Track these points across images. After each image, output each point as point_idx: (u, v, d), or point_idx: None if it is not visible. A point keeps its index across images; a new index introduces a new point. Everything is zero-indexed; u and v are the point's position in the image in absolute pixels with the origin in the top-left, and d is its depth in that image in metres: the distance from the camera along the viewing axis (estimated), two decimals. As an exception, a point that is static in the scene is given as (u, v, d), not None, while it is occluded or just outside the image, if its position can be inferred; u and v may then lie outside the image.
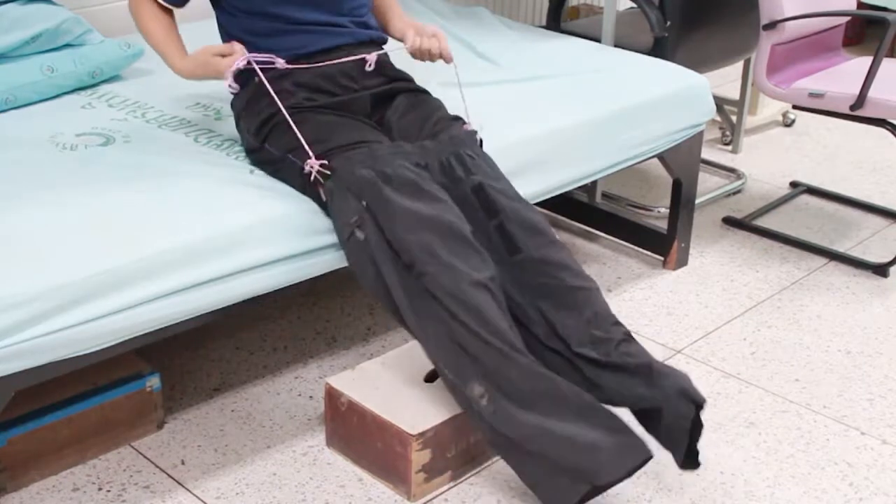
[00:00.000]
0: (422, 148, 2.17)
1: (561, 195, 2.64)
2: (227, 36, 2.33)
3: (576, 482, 1.94)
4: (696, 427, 2.07)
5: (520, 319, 2.11)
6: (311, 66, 2.26)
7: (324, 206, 2.12)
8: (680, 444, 2.06)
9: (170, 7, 2.33)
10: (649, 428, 2.11)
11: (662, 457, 2.25)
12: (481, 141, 2.29)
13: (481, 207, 2.14)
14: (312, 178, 2.10)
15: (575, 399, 1.97)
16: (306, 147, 2.12)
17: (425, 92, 2.40)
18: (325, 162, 2.10)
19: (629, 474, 1.97)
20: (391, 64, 2.40)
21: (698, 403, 2.04)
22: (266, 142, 2.21)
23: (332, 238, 2.13)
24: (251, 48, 2.24)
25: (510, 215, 2.14)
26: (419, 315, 2.00)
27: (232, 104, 2.35)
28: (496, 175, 2.20)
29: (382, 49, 2.40)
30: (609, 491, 2.13)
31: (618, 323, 2.12)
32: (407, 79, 2.41)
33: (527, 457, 1.97)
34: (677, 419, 2.04)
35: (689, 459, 2.09)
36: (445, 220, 2.03)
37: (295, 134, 2.15)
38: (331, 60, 2.27)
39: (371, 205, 2.03)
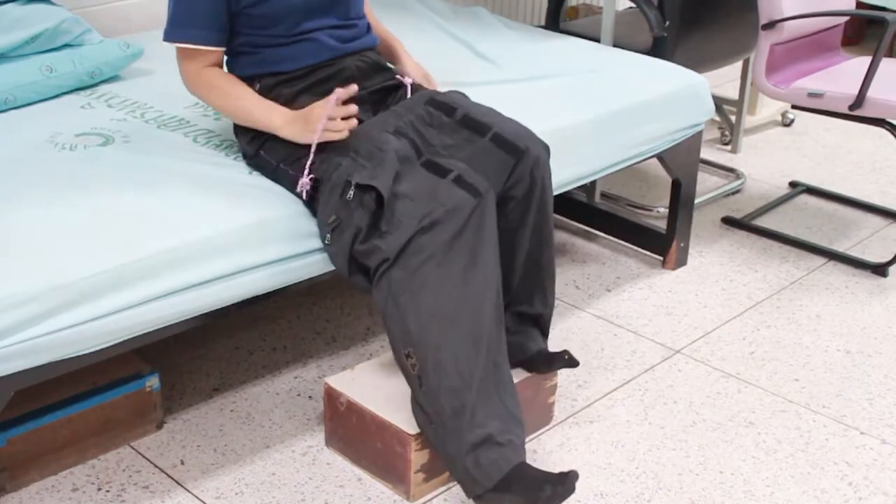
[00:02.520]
0: (393, 113, 2.21)
1: (560, 195, 2.64)
2: (233, 54, 2.30)
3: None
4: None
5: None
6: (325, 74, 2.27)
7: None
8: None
9: (219, 53, 2.21)
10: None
11: (662, 456, 2.25)
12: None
13: (472, 129, 2.17)
14: (306, 196, 2.12)
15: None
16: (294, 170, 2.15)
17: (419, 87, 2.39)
18: (313, 176, 2.11)
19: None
20: (385, 64, 2.40)
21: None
22: (262, 149, 2.22)
23: (332, 238, 2.14)
24: (260, 62, 2.24)
25: (503, 127, 2.18)
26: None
27: None
28: (476, 104, 2.25)
29: (377, 51, 2.40)
30: (609, 490, 2.14)
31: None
32: (403, 74, 2.40)
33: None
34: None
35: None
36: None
37: (287, 144, 2.16)
38: (338, 68, 2.27)
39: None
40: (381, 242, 1.98)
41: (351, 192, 2.02)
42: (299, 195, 2.13)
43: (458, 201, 1.97)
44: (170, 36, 2.18)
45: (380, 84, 2.33)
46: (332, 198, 2.06)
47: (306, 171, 2.11)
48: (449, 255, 1.96)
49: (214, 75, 2.20)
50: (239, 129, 2.28)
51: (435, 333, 1.96)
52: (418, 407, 2.02)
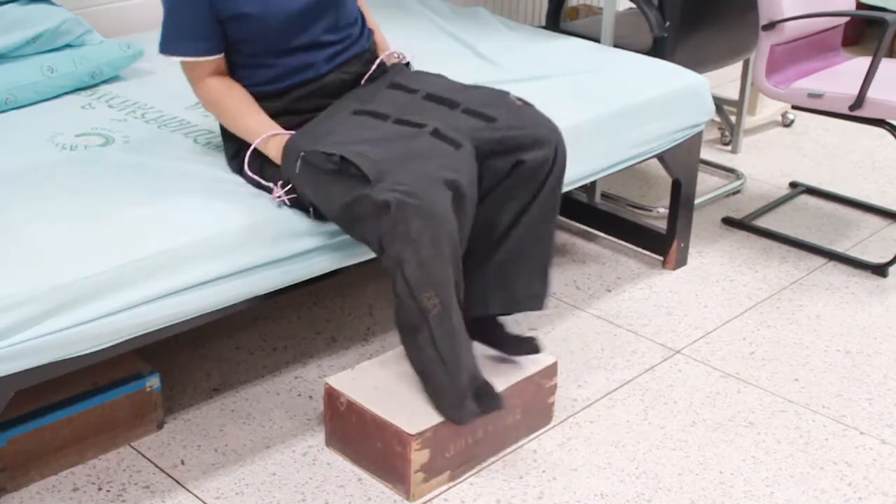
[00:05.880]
0: (356, 95, 2.23)
1: (560, 195, 2.64)
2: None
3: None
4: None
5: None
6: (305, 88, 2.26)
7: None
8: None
9: (216, 62, 2.19)
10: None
11: (662, 456, 2.25)
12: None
13: (441, 104, 2.16)
14: (288, 204, 2.11)
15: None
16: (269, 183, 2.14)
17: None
18: (289, 185, 2.10)
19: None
20: (380, 71, 2.35)
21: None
22: (245, 165, 2.20)
23: (330, 238, 2.14)
24: (241, 79, 2.23)
25: (471, 100, 2.17)
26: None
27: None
28: (437, 80, 2.24)
29: (374, 60, 2.35)
30: (609, 490, 2.14)
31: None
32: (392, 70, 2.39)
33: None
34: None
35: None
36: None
37: (265, 159, 2.16)
38: (319, 85, 2.25)
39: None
40: (370, 191, 1.96)
41: (328, 162, 2.02)
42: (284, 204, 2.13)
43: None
44: (163, 49, 2.18)
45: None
46: (319, 186, 2.05)
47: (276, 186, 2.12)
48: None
49: (213, 90, 2.20)
50: (224, 145, 2.27)
51: (444, 269, 1.97)
52: (431, 349, 2.02)
